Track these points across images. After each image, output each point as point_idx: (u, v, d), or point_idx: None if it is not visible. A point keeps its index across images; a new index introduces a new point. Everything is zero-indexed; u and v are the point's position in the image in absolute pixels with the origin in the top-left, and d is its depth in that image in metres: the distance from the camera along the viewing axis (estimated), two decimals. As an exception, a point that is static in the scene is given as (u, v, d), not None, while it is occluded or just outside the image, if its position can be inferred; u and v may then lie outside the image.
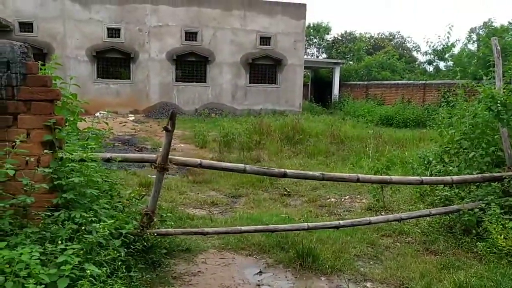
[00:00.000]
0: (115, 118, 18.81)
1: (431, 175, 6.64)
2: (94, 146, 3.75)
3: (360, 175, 4.27)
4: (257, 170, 3.76)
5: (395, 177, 4.53)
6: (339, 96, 29.20)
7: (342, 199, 7.35)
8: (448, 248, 4.91)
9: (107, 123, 5.07)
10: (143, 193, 4.59)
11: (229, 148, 12.26)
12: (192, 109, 23.17)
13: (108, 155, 3.44)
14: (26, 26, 21.24)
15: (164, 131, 3.32)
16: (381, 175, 6.52)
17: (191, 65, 23.64)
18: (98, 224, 3.03)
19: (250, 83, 24.42)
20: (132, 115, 21.75)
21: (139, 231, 3.80)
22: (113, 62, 22.63)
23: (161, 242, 4.37)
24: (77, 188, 3.30)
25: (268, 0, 24.47)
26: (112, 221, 3.17)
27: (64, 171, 3.26)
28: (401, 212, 6.30)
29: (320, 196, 7.47)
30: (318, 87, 32.91)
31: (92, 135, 4.39)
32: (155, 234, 4.04)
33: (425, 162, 7.23)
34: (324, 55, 51.38)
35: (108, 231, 3.07)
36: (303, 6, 25.07)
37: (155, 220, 3.74)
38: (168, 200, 6.70)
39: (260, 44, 24.31)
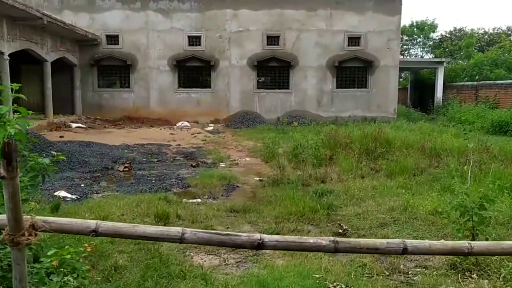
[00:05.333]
0: (190, 129, 18.15)
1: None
2: None
3: (408, 242, 2.42)
4: (206, 238, 2.14)
5: (479, 244, 2.58)
6: (442, 99, 25.75)
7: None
8: None
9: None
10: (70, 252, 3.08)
11: (298, 163, 10.55)
12: (274, 117, 21.78)
13: None
14: (113, 39, 21.68)
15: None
16: (472, 211, 4.41)
17: (273, 70, 22.33)
18: None
19: (337, 88, 22.39)
20: (212, 125, 21.02)
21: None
22: (193, 70, 22.20)
23: None
24: None
25: (357, -4, 22.27)
26: None
27: None
28: (504, 271, 4.14)
29: (386, 239, 5.48)
30: (418, 90, 29.57)
31: None
32: None
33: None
34: (430, 55, 47.03)
35: None
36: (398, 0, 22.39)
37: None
38: (181, 238, 5.26)
39: (348, 45, 22.18)
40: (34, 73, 19.97)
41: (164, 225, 5.82)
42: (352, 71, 22.47)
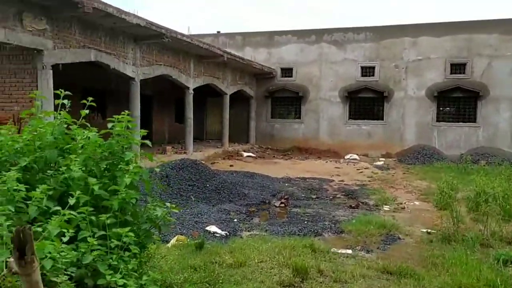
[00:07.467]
0: (357, 163, 17.22)
1: None
2: None
3: None
4: None
5: None
6: None
7: None
8: None
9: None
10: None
11: (479, 215, 8.78)
12: (456, 153, 19.21)
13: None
14: (287, 72, 22.41)
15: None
16: None
17: (456, 102, 19.94)
18: None
19: (540, 122, 18.75)
20: (383, 159, 19.68)
21: None
22: (365, 102, 21.32)
23: None
24: None
25: None
26: None
27: None
28: None
29: None
30: None
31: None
32: None
33: None
34: None
35: None
36: None
37: None
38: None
39: (557, 71, 18.46)
40: (216, 105, 21.84)
41: (302, 281, 5.23)
42: (562, 102, 18.58)
